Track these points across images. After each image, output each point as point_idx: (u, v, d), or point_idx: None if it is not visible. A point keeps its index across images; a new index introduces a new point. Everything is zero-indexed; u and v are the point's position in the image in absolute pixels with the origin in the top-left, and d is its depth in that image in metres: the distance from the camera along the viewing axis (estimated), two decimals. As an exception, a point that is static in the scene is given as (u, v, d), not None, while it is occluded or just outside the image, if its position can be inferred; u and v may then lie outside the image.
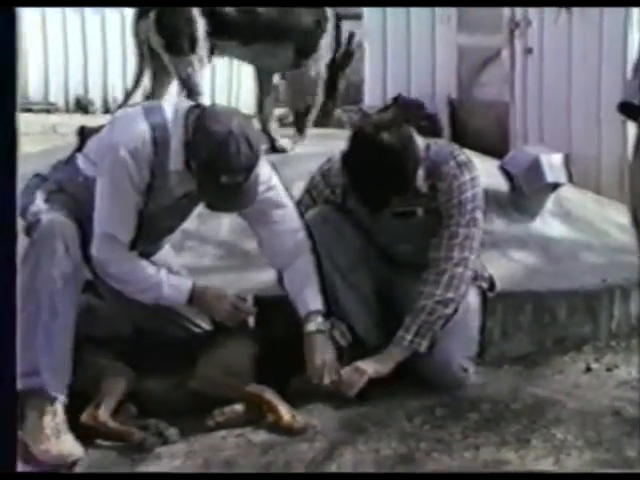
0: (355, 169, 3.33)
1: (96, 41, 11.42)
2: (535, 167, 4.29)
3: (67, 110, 11.21)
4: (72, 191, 3.32)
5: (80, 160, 3.36)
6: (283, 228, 3.39)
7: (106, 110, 10.84)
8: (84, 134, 3.40)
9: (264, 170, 3.28)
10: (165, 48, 4.47)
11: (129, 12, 10.02)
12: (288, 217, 3.40)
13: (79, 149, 3.39)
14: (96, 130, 3.40)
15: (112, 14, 10.88)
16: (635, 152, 1.81)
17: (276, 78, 13.02)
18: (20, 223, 2.98)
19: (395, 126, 3.33)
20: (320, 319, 3.33)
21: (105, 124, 3.39)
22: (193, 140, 3.16)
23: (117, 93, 10.89)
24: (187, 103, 3.34)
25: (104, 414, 3.08)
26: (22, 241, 2.99)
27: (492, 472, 2.82)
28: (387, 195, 3.31)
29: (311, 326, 3.31)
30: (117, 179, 3.17)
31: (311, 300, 3.34)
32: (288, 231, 3.39)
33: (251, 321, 3.36)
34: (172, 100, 3.45)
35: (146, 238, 3.28)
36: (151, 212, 3.25)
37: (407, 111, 7.58)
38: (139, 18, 4.54)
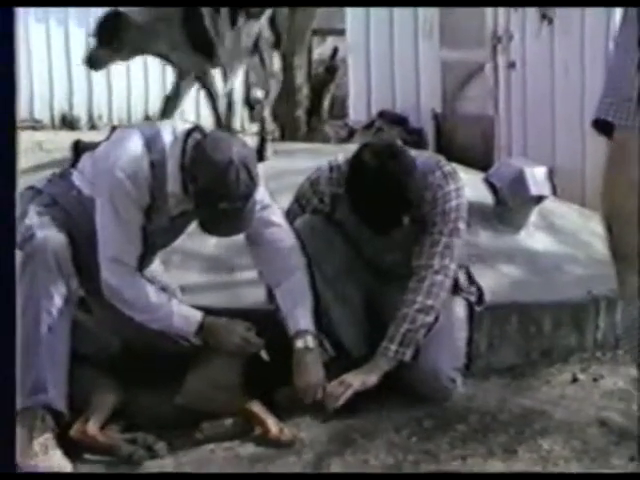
0: (362, 198, 3.36)
1: (80, 57, 11.40)
2: (519, 180, 4.31)
3: (53, 127, 11.20)
4: (65, 205, 3.33)
5: (75, 176, 3.38)
6: (276, 247, 3.41)
7: (92, 126, 10.85)
8: (78, 149, 3.42)
9: (259, 189, 3.29)
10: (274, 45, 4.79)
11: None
12: (282, 236, 3.42)
13: (73, 164, 3.40)
14: (91, 146, 3.41)
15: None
16: (610, 166, 1.84)
17: (260, 93, 13.02)
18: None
19: (397, 153, 3.39)
20: (309, 337, 3.34)
21: (101, 141, 3.40)
22: (192, 166, 3.19)
23: (102, 109, 10.92)
24: (185, 126, 3.34)
25: (93, 428, 3.09)
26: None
27: (492, 473, 2.83)
28: (396, 219, 3.36)
29: (300, 343, 3.33)
30: (118, 203, 3.19)
31: (302, 319, 3.35)
32: (281, 249, 3.41)
33: (264, 355, 3.36)
34: (168, 123, 3.46)
35: (141, 256, 3.30)
36: (148, 232, 3.28)
37: (392, 126, 7.63)
38: (249, 18, 4.61)
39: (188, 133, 3.26)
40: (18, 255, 3.07)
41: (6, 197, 1.54)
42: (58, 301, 3.12)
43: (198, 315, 3.28)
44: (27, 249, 3.11)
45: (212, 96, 5.10)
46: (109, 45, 4.71)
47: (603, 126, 1.84)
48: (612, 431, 3.22)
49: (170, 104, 5.23)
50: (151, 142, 3.22)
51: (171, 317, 3.25)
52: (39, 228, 3.18)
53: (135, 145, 3.22)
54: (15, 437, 1.74)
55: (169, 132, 3.27)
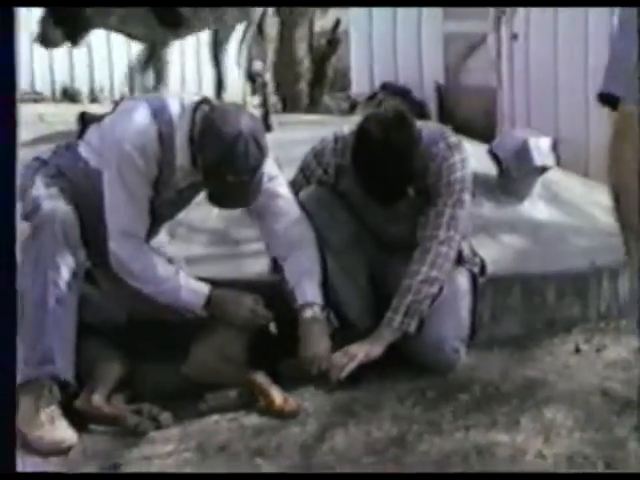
0: (367, 169, 3.35)
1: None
2: (523, 150, 4.31)
3: (54, 99, 11.16)
4: (72, 176, 3.33)
5: (82, 148, 3.37)
6: (283, 219, 3.41)
7: (93, 99, 10.80)
8: (85, 121, 3.41)
9: (267, 162, 3.29)
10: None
11: None
12: (288, 208, 3.42)
13: (79, 136, 3.40)
14: (97, 118, 3.40)
15: (98, 3, 10.83)
16: (617, 137, 1.84)
17: (260, 65, 13.01)
18: (18, 206, 3.00)
19: (403, 123, 3.36)
20: (317, 308, 3.35)
21: (107, 113, 3.39)
22: (201, 139, 3.18)
23: (104, 82, 10.87)
24: (193, 98, 3.33)
25: (98, 399, 3.10)
26: (20, 225, 3.01)
27: (495, 472, 2.84)
28: (401, 190, 3.36)
29: (307, 313, 3.33)
30: (126, 175, 3.19)
31: (309, 291, 3.36)
32: (289, 222, 3.41)
33: (272, 328, 3.36)
34: (175, 94, 3.44)
35: (148, 228, 3.31)
36: (156, 204, 3.28)
37: (394, 98, 7.62)
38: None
39: (196, 105, 3.25)
40: (25, 226, 3.08)
41: (7, 171, 1.54)
42: (65, 273, 3.12)
43: (206, 288, 3.28)
44: (35, 220, 3.12)
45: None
46: (62, 24, 4.69)
47: (608, 99, 1.84)
48: (615, 401, 3.23)
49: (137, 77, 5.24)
50: (159, 114, 3.21)
51: (179, 290, 3.24)
52: (47, 199, 3.18)
53: (143, 117, 3.21)
54: (15, 437, 1.75)
55: (177, 104, 3.26)
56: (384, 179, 3.32)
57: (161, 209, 3.34)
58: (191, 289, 3.26)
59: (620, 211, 1.86)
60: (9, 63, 1.43)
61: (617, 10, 1.87)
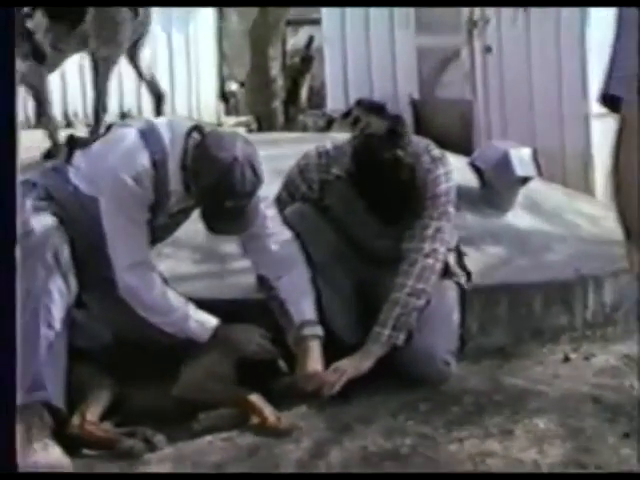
0: (371, 187, 3.36)
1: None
2: (505, 161, 4.33)
3: (28, 126, 11.11)
4: (61, 200, 3.32)
5: (71, 173, 3.36)
6: (275, 239, 3.42)
7: (67, 124, 10.77)
8: (73, 143, 3.40)
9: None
10: None
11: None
12: (279, 228, 3.43)
13: (67, 159, 3.39)
14: (87, 141, 3.40)
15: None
16: (619, 141, 1.83)
17: (234, 86, 12.98)
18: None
19: (403, 140, 3.39)
20: (316, 326, 3.37)
21: (94, 138, 3.39)
22: (196, 165, 3.17)
23: (77, 107, 10.85)
24: (183, 123, 3.33)
25: (90, 424, 3.08)
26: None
27: (494, 473, 2.84)
28: (406, 207, 3.39)
29: (308, 331, 3.35)
30: (125, 204, 3.18)
31: (307, 310, 3.38)
32: (280, 242, 3.42)
33: (282, 364, 3.35)
34: (164, 119, 3.43)
35: None
36: (152, 229, 3.28)
37: (370, 113, 7.63)
38: None
39: (189, 132, 3.25)
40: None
41: (6, 194, 1.53)
42: (57, 298, 3.11)
43: (213, 321, 3.27)
44: (26, 244, 3.10)
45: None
46: None
47: (611, 101, 1.84)
48: (606, 408, 3.25)
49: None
50: (150, 141, 3.21)
51: (186, 321, 3.24)
52: (38, 224, 3.17)
53: (135, 144, 3.21)
54: (15, 437, 1.73)
55: (167, 130, 3.26)
56: (391, 195, 3.34)
57: (155, 233, 3.33)
58: (199, 321, 3.26)
59: (622, 216, 1.85)
60: (9, 63, 1.43)
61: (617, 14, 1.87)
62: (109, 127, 3.48)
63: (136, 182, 3.16)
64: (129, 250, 3.21)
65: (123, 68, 10.47)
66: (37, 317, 3.07)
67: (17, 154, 1.49)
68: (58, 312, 3.11)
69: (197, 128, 3.28)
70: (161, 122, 3.36)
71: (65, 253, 3.17)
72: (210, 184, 3.13)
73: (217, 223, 3.23)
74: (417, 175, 3.37)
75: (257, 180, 3.17)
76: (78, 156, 3.38)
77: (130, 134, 3.26)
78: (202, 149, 3.17)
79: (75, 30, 5.13)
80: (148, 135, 3.23)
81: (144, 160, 3.18)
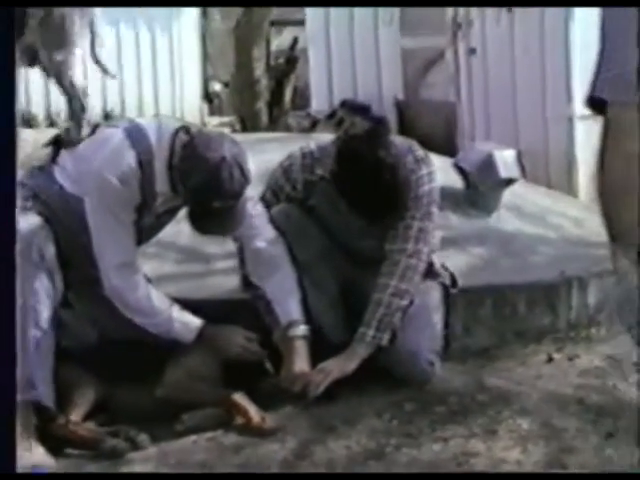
0: (353, 187, 3.36)
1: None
2: (489, 163, 4.35)
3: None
4: (47, 199, 3.31)
5: (57, 173, 3.35)
6: (261, 239, 3.42)
7: (50, 123, 10.73)
8: (58, 143, 3.39)
9: None
10: None
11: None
12: (264, 228, 3.43)
13: (53, 159, 3.37)
14: (73, 142, 3.38)
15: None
16: (604, 142, 1.83)
17: (218, 86, 12.97)
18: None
19: (385, 140, 3.39)
20: (303, 326, 3.38)
21: (80, 138, 3.37)
22: (184, 165, 3.16)
23: (60, 106, 10.80)
24: (171, 124, 3.32)
25: (74, 423, 3.08)
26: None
27: (493, 473, 2.84)
28: (388, 206, 3.38)
29: (296, 331, 3.36)
30: (111, 205, 3.18)
31: (294, 310, 3.39)
32: (266, 242, 3.43)
33: (268, 366, 3.35)
34: (150, 119, 3.42)
35: None
36: (138, 229, 3.28)
37: (354, 114, 7.64)
38: None
39: (175, 132, 3.24)
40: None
41: (6, 194, 1.53)
42: (44, 297, 3.11)
43: (197, 322, 3.27)
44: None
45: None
46: None
47: (596, 103, 1.84)
48: (590, 409, 3.26)
49: None
50: (136, 141, 3.20)
51: (171, 322, 3.24)
52: (24, 223, 3.15)
53: (121, 144, 3.20)
54: (15, 437, 1.73)
55: (153, 130, 3.25)
56: (373, 195, 3.33)
57: (141, 234, 3.33)
58: (183, 322, 3.26)
59: (606, 216, 1.86)
60: (9, 62, 1.43)
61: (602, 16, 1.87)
62: (95, 127, 3.47)
63: (122, 182, 3.16)
64: (115, 251, 3.21)
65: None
66: (25, 317, 3.06)
67: (17, 154, 1.49)
68: (45, 312, 3.10)
69: (184, 128, 3.28)
70: (147, 122, 3.35)
71: (50, 252, 3.16)
72: (198, 184, 3.12)
73: (204, 223, 3.22)
74: (399, 175, 3.36)
75: (245, 180, 3.17)
76: (64, 155, 3.37)
77: (116, 134, 3.25)
78: (190, 149, 3.16)
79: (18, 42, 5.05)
80: (134, 135, 3.22)
81: (130, 160, 3.17)
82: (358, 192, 3.35)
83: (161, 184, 3.23)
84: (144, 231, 3.35)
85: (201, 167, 3.12)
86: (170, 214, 3.41)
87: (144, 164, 3.18)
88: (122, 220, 3.21)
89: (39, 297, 3.10)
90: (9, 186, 1.45)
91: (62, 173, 3.34)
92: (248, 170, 3.19)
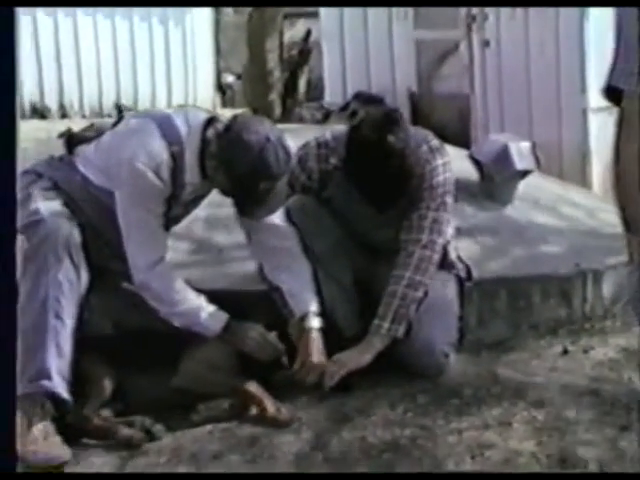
0: (361, 172, 3.36)
1: (49, 45, 11.33)
2: (504, 155, 4.34)
3: (23, 116, 11.09)
4: (69, 190, 3.31)
5: (80, 163, 3.34)
6: (277, 230, 3.42)
7: (63, 115, 10.76)
8: (72, 138, 3.39)
9: None
10: None
11: (80, 15, 9.97)
12: (279, 219, 3.43)
13: (70, 151, 3.37)
14: (87, 138, 3.38)
15: (66, 18, 10.82)
16: (620, 133, 1.83)
17: (231, 78, 12.93)
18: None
19: (395, 124, 3.37)
20: (318, 318, 3.37)
21: (107, 131, 3.37)
22: (226, 153, 3.14)
23: (73, 97, 10.83)
24: (200, 115, 3.30)
25: (90, 413, 3.08)
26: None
27: (495, 473, 2.84)
28: (396, 194, 3.38)
29: (313, 322, 3.36)
30: (144, 199, 3.17)
31: (310, 302, 3.39)
32: (281, 233, 3.43)
33: (285, 360, 3.33)
34: (179, 110, 3.41)
35: None
36: (166, 220, 3.29)
37: (368, 106, 7.62)
38: None
39: (207, 122, 3.23)
40: (24, 239, 3.06)
41: (6, 189, 1.53)
42: (66, 288, 3.10)
43: (224, 315, 3.27)
44: (38, 234, 3.09)
45: None
46: None
47: (613, 94, 1.84)
48: (604, 401, 3.25)
49: None
50: (168, 133, 3.19)
51: (199, 313, 3.23)
52: (49, 214, 3.15)
53: (153, 136, 3.18)
54: (15, 437, 1.73)
55: (182, 121, 3.23)
56: (381, 182, 3.33)
57: (168, 224, 3.33)
58: (211, 313, 3.25)
59: (622, 207, 1.85)
60: (9, 63, 1.43)
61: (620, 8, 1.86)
62: (120, 118, 3.46)
63: (155, 173, 3.15)
64: (148, 246, 3.21)
65: (120, 62, 10.52)
66: (46, 307, 3.06)
67: (17, 149, 1.49)
68: (67, 303, 3.10)
69: (213, 118, 3.27)
70: (176, 113, 3.31)
71: (77, 244, 3.15)
72: (245, 169, 3.10)
73: (253, 207, 3.22)
74: (409, 162, 3.35)
75: (289, 159, 3.17)
76: (88, 148, 3.36)
77: (145, 125, 3.24)
78: (232, 136, 3.14)
79: None
80: (165, 127, 3.21)
81: (163, 151, 3.16)
82: (367, 177, 3.35)
83: (191, 175, 3.22)
84: (172, 220, 3.36)
85: (246, 152, 3.09)
86: (194, 203, 3.41)
87: (176, 156, 3.17)
88: (155, 213, 3.20)
89: (62, 288, 3.09)
90: (9, 181, 1.45)
91: (86, 163, 3.33)
92: (289, 148, 3.19)
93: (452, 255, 3.63)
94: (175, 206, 3.29)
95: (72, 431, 3.06)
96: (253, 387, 3.20)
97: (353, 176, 3.39)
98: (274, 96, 9.15)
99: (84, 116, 10.23)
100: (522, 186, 4.55)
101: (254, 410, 3.20)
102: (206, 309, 3.25)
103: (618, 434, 3.01)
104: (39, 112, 11.33)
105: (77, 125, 3.63)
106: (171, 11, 10.35)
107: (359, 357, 3.37)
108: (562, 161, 6.52)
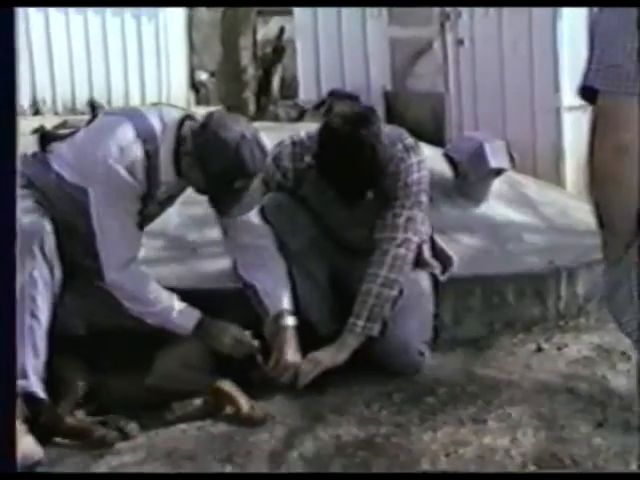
0: (334, 165, 3.35)
1: (21, 41, 11.26)
2: (479, 153, 4.35)
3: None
4: (42, 187, 3.29)
5: (53, 161, 3.32)
6: (252, 228, 3.41)
7: (36, 112, 10.70)
8: (45, 136, 3.36)
9: None
10: None
11: (52, 11, 9.90)
12: (254, 217, 3.42)
13: (43, 149, 3.34)
14: (60, 136, 3.35)
15: (37, 14, 10.76)
16: (595, 132, 1.83)
17: (204, 75, 12.90)
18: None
19: (368, 119, 3.37)
20: (292, 316, 3.37)
21: (79, 129, 3.34)
22: (202, 151, 3.13)
23: (46, 94, 10.77)
24: (174, 113, 3.29)
25: (63, 413, 3.06)
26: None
27: (490, 473, 2.84)
28: (368, 186, 3.37)
29: (288, 321, 3.35)
30: (118, 197, 3.15)
31: (285, 300, 3.39)
32: (256, 231, 3.43)
33: (259, 358, 3.33)
34: (153, 108, 3.39)
35: None
36: (141, 218, 3.27)
37: (343, 104, 7.62)
38: None
39: (181, 120, 3.22)
40: None
41: (6, 191, 1.50)
42: (41, 287, 3.08)
43: (196, 313, 3.26)
44: None
45: None
46: None
47: (589, 93, 1.84)
48: (579, 398, 3.27)
49: None
50: (142, 130, 3.17)
51: (170, 312, 3.23)
52: (23, 212, 3.12)
53: (127, 134, 3.16)
54: (15, 437, 1.71)
55: (157, 119, 3.22)
56: (351, 175, 3.32)
57: (142, 222, 3.31)
58: (183, 312, 3.25)
59: (596, 205, 1.86)
60: (10, 63, 1.41)
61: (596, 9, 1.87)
62: (94, 115, 3.43)
63: (129, 172, 3.13)
64: (121, 245, 3.19)
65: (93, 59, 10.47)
66: (22, 307, 3.03)
67: (17, 151, 1.47)
68: (42, 301, 3.08)
69: (188, 116, 3.26)
70: (151, 111, 3.30)
71: (51, 242, 3.13)
72: (221, 167, 3.10)
73: (227, 205, 3.21)
74: (380, 157, 3.34)
75: (264, 156, 3.18)
76: (60, 145, 3.34)
77: (119, 123, 3.22)
78: (207, 133, 3.13)
79: None
80: (139, 124, 3.19)
81: (137, 150, 3.14)
82: (338, 170, 3.34)
83: (166, 173, 3.21)
84: (147, 219, 3.34)
85: (222, 149, 3.09)
86: (169, 201, 3.40)
87: (150, 153, 3.16)
88: (128, 212, 3.18)
89: (37, 287, 3.07)
90: (9, 183, 1.43)
91: (59, 161, 3.30)
92: (265, 146, 3.19)
93: (426, 253, 3.63)
94: (150, 204, 3.27)
95: (45, 431, 3.03)
96: (227, 385, 3.19)
97: (324, 169, 3.38)
98: (248, 94, 9.10)
99: (57, 113, 10.17)
100: (496, 184, 4.56)
101: (228, 409, 3.19)
102: (178, 307, 3.24)
103: (593, 431, 3.01)
104: (11, 109, 11.20)
105: (50, 122, 3.61)
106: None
107: (334, 355, 3.36)
108: (536, 159, 6.54)
